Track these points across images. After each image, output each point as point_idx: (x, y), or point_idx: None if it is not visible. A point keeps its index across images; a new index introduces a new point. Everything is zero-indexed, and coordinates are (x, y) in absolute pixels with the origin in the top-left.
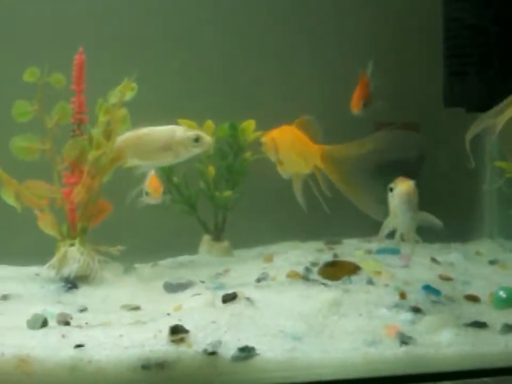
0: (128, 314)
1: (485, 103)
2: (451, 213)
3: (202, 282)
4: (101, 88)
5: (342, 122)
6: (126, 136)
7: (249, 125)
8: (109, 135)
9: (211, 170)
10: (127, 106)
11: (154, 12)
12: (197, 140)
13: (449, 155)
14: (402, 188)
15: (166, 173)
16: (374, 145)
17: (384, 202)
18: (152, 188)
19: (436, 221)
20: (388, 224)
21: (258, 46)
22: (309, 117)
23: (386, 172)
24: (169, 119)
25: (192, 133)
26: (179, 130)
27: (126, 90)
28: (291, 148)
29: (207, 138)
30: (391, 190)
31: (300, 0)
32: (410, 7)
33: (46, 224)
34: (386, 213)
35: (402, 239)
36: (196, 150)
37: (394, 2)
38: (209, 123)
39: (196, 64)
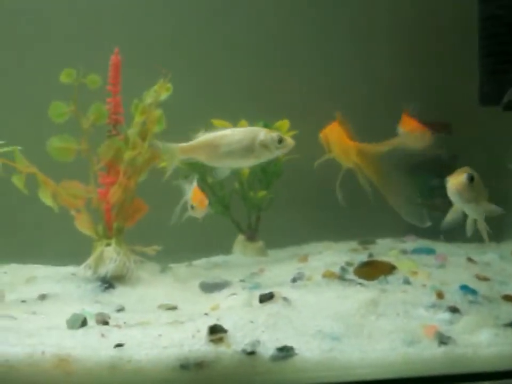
0: (165, 314)
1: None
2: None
3: (243, 281)
4: (136, 89)
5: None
6: (206, 137)
7: (283, 124)
8: (144, 135)
9: (245, 170)
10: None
11: (186, 13)
12: (280, 141)
13: (484, 154)
14: (452, 181)
15: (201, 174)
16: (399, 144)
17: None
18: (197, 200)
19: (497, 209)
20: (451, 215)
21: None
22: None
23: (420, 172)
24: (201, 119)
25: (275, 135)
26: (262, 132)
27: (161, 91)
28: (337, 144)
29: (290, 140)
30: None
31: None
32: (446, 5)
33: (83, 224)
34: (417, 213)
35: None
36: (278, 152)
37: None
38: (243, 123)
39: (228, 64)
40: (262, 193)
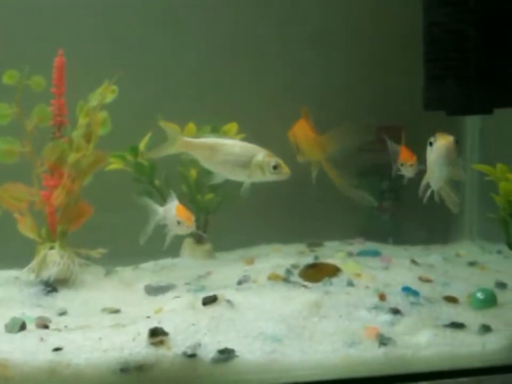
0: (108, 317)
1: (462, 106)
2: (432, 215)
3: (188, 284)
4: (82, 90)
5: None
6: (209, 140)
7: (232, 127)
8: (89, 137)
9: (193, 173)
10: (108, 107)
11: (135, 12)
12: (275, 167)
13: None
14: (441, 142)
15: (148, 176)
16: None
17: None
18: (184, 216)
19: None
20: (426, 180)
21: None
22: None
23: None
24: (151, 120)
25: (273, 160)
26: (261, 153)
27: (106, 93)
28: (305, 141)
29: (286, 169)
30: (431, 144)
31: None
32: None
33: (26, 227)
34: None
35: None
36: (272, 177)
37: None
38: (191, 126)
39: (177, 66)
40: (209, 196)
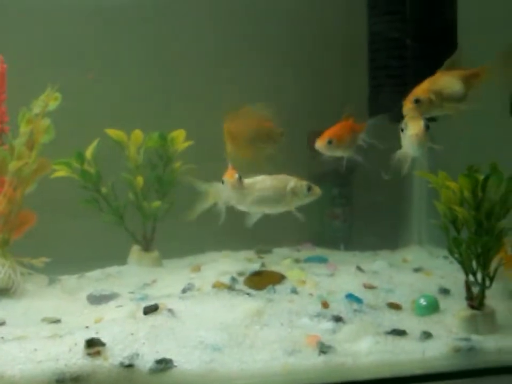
0: (47, 327)
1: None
2: (381, 221)
3: (132, 292)
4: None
5: None
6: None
7: (179, 134)
8: (31, 145)
9: (139, 180)
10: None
11: (77, 17)
12: (309, 189)
13: (379, 164)
14: (412, 130)
15: (94, 183)
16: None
17: None
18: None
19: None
20: (398, 156)
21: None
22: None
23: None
24: (98, 127)
25: (304, 183)
26: (292, 180)
27: (49, 100)
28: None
29: (317, 189)
30: (402, 130)
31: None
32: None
33: None
34: None
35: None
36: (307, 199)
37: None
38: (138, 133)
39: (125, 73)
40: (156, 203)
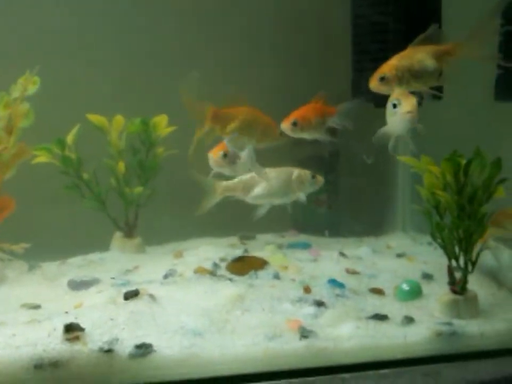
0: (26, 313)
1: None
2: (365, 208)
3: (113, 278)
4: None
5: None
6: (244, 178)
7: (162, 120)
8: (10, 130)
9: (121, 166)
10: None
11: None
12: (313, 177)
13: (363, 150)
14: (406, 107)
15: (75, 169)
16: None
17: None
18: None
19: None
20: (384, 131)
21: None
22: None
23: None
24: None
25: (307, 171)
26: (296, 170)
27: (28, 84)
28: None
29: (320, 177)
30: (395, 106)
31: None
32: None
33: None
34: None
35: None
36: (311, 188)
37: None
38: (119, 118)
39: (107, 58)
40: (138, 189)
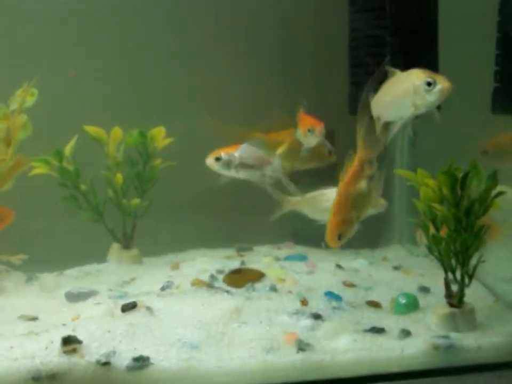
0: (23, 325)
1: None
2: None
3: (110, 290)
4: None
5: None
6: (311, 194)
7: (159, 132)
8: (9, 141)
9: (119, 177)
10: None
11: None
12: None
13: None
14: (444, 85)
15: (73, 181)
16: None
17: None
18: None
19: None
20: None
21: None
22: None
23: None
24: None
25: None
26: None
27: (25, 96)
28: None
29: (383, 202)
30: (429, 84)
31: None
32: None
33: None
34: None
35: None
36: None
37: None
38: (117, 130)
39: (105, 69)
40: (135, 201)
